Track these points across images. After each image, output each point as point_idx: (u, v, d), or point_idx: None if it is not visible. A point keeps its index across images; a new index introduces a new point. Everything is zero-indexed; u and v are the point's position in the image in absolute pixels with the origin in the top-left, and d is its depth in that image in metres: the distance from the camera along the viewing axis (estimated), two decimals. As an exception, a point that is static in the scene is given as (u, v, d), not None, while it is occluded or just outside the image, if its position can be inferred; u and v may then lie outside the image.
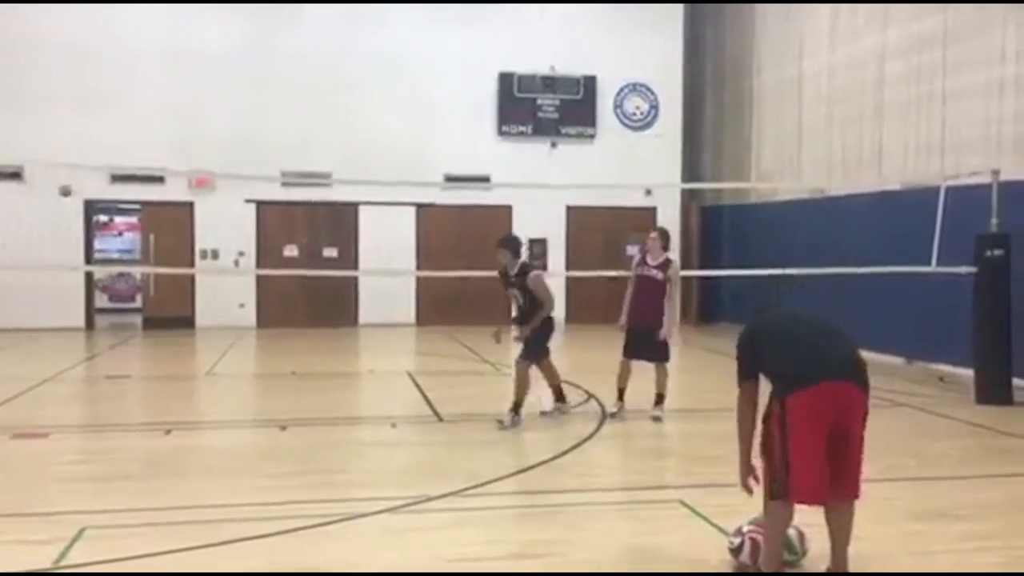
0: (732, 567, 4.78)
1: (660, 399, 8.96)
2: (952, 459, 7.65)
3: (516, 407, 8.66)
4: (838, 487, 4.53)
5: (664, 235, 9.19)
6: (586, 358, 14.07)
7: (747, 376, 4.71)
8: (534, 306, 8.81)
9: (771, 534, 4.60)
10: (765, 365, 4.65)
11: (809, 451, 4.43)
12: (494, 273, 9.24)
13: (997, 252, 10.06)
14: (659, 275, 8.90)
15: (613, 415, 8.91)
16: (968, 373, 10.59)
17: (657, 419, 8.85)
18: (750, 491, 4.72)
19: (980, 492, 6.45)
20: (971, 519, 5.80)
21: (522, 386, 8.69)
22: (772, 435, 4.54)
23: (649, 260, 8.98)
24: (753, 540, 4.75)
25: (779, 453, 4.49)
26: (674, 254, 18.70)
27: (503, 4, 18.33)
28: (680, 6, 19.25)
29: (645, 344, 8.87)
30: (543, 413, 9.05)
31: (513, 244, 9.05)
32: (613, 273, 16.80)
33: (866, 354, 4.72)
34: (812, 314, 4.84)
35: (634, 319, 8.94)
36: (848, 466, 4.52)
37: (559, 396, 9.16)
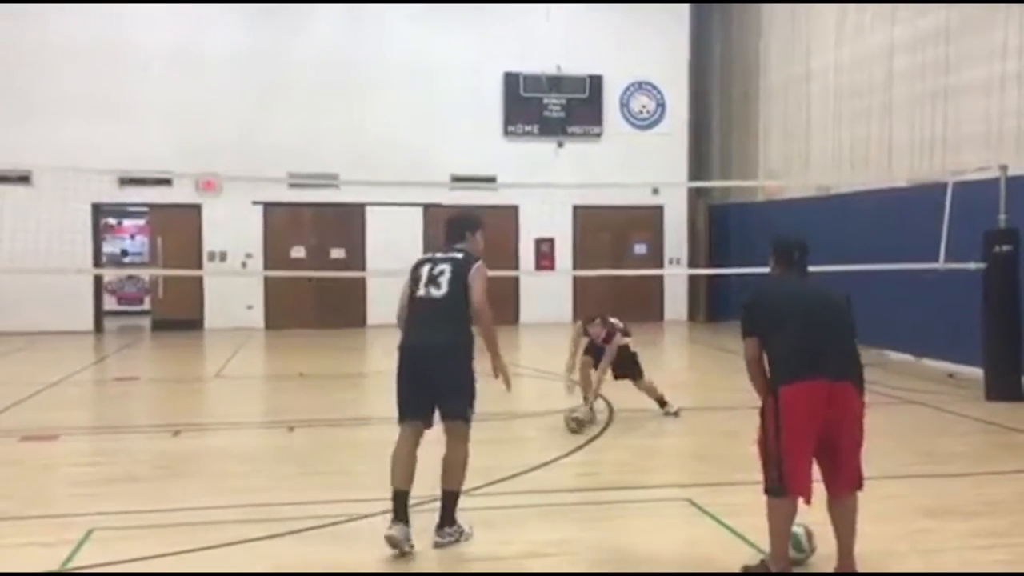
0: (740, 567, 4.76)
1: (661, 403, 9.02)
2: (962, 456, 7.61)
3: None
4: (833, 480, 4.53)
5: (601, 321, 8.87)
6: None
7: (749, 333, 4.73)
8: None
9: (775, 532, 4.59)
10: (764, 337, 4.66)
11: (801, 445, 4.44)
12: (499, 273, 9.17)
13: (1005, 248, 9.99)
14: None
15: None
16: (977, 370, 10.54)
17: (673, 415, 8.91)
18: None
19: (990, 489, 6.43)
20: (980, 516, 5.78)
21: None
22: (767, 430, 4.54)
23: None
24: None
25: (774, 449, 4.49)
26: (681, 252, 19.05)
27: (508, 4, 18.31)
28: (686, 4, 19.19)
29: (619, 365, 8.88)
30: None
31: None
32: (620, 272, 16.91)
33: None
34: (820, 291, 4.81)
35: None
36: (842, 460, 4.52)
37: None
